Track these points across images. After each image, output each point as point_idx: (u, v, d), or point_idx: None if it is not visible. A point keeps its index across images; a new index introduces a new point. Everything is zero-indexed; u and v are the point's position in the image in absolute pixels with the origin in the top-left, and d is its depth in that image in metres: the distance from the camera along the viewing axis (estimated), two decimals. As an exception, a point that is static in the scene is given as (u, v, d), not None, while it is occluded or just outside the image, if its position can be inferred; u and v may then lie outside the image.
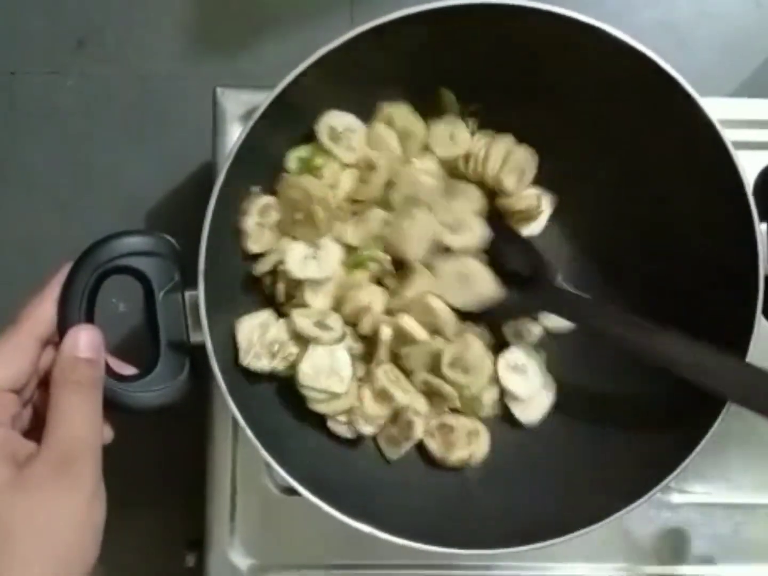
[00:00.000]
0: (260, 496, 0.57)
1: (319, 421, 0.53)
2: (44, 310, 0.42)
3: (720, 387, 0.45)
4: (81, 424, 0.39)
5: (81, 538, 0.38)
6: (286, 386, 0.52)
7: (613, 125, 0.51)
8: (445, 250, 0.52)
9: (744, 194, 0.45)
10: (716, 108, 0.45)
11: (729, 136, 0.44)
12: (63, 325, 0.42)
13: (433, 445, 0.53)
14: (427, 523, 0.49)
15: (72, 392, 0.40)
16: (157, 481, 0.66)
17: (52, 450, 0.38)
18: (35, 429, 0.41)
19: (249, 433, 0.45)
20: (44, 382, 0.42)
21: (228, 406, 0.44)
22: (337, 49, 0.44)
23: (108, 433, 0.44)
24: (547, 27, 0.45)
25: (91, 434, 0.40)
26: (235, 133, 0.56)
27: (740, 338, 0.46)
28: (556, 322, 0.55)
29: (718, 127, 0.44)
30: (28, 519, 0.37)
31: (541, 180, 0.55)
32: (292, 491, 0.55)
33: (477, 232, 0.52)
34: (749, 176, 0.45)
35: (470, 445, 0.53)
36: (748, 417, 0.59)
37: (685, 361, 0.45)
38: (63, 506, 0.37)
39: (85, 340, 0.41)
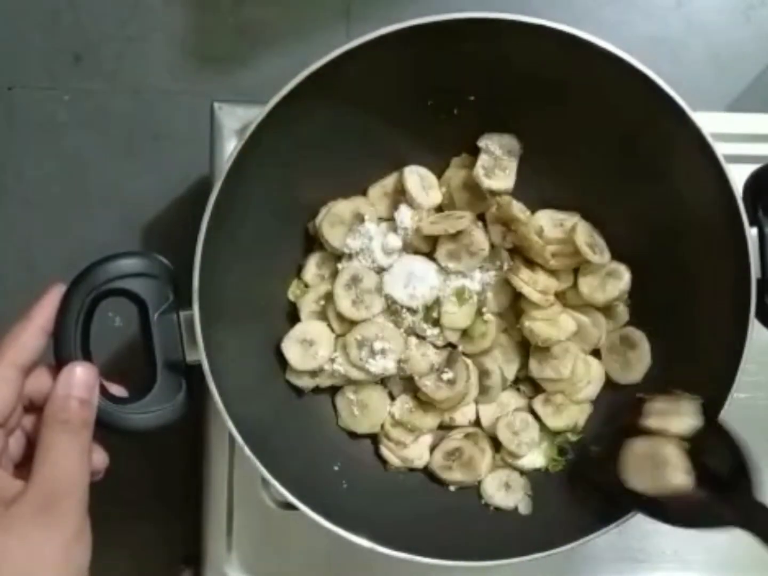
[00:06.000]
0: (257, 511, 0.57)
1: (316, 435, 0.53)
2: (26, 338, 0.41)
3: None
4: (67, 466, 0.39)
5: None
6: (284, 403, 0.53)
7: (608, 138, 0.51)
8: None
9: (735, 203, 0.45)
10: (708, 122, 0.45)
11: (720, 149, 0.45)
12: (59, 352, 0.42)
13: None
14: (427, 537, 0.49)
15: (61, 432, 0.39)
16: (154, 496, 0.66)
17: (37, 490, 0.38)
18: (28, 460, 0.41)
19: (247, 451, 0.45)
20: (35, 409, 0.42)
21: (226, 424, 0.44)
22: (330, 63, 0.44)
23: (103, 459, 0.44)
24: (542, 42, 0.45)
25: (76, 476, 0.39)
26: (231, 148, 0.56)
27: (735, 341, 0.46)
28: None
29: (710, 140, 0.45)
30: (9, 558, 0.37)
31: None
32: (288, 506, 0.55)
33: (686, 419, 0.49)
34: (739, 187, 0.45)
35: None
36: (743, 427, 0.59)
37: None
38: (43, 547, 0.37)
39: (79, 378, 0.41)
